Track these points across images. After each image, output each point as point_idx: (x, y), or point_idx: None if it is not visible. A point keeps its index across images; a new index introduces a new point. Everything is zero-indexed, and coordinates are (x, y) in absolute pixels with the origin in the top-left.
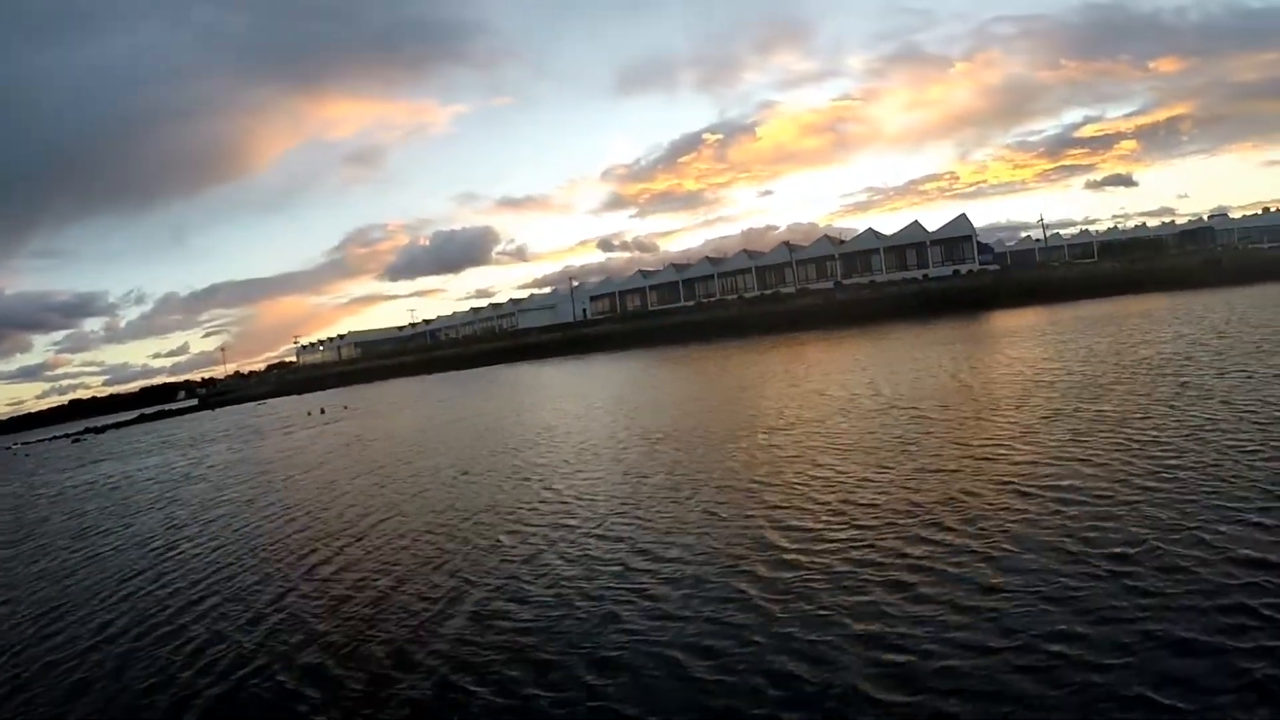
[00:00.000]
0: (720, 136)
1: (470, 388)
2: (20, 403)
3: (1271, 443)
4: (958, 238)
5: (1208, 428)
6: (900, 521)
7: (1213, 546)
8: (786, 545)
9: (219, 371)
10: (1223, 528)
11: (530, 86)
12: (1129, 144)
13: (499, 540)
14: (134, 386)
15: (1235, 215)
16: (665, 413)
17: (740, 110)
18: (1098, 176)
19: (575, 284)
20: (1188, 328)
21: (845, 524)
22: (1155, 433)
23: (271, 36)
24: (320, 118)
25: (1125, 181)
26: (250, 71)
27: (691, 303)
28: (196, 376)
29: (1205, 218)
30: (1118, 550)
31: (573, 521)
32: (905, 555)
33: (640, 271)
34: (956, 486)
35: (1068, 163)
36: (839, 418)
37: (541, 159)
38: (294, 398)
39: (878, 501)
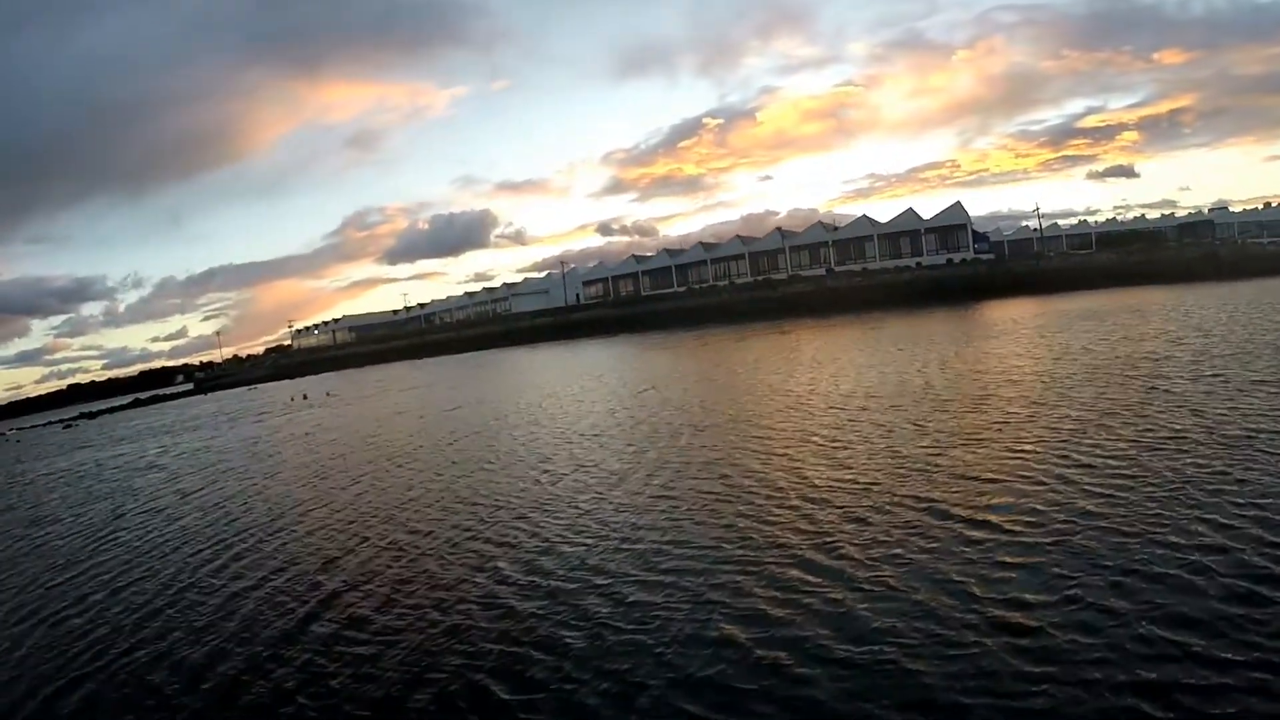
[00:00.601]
0: (721, 121)
1: (450, 374)
2: (19, 388)
3: (1237, 465)
4: (952, 226)
5: (1169, 442)
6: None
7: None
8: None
9: (218, 355)
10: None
11: (528, 69)
12: (1131, 135)
13: (388, 533)
14: (133, 370)
15: (1236, 209)
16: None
17: (741, 95)
18: (1099, 167)
19: (568, 268)
20: (1173, 325)
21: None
22: (1110, 444)
23: (267, 19)
24: (317, 101)
25: (1127, 173)
26: (246, 55)
27: (683, 288)
28: (195, 360)
29: (1205, 211)
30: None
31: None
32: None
33: (634, 256)
34: (833, 507)
35: (1070, 153)
36: (757, 417)
37: (540, 142)
38: (286, 382)
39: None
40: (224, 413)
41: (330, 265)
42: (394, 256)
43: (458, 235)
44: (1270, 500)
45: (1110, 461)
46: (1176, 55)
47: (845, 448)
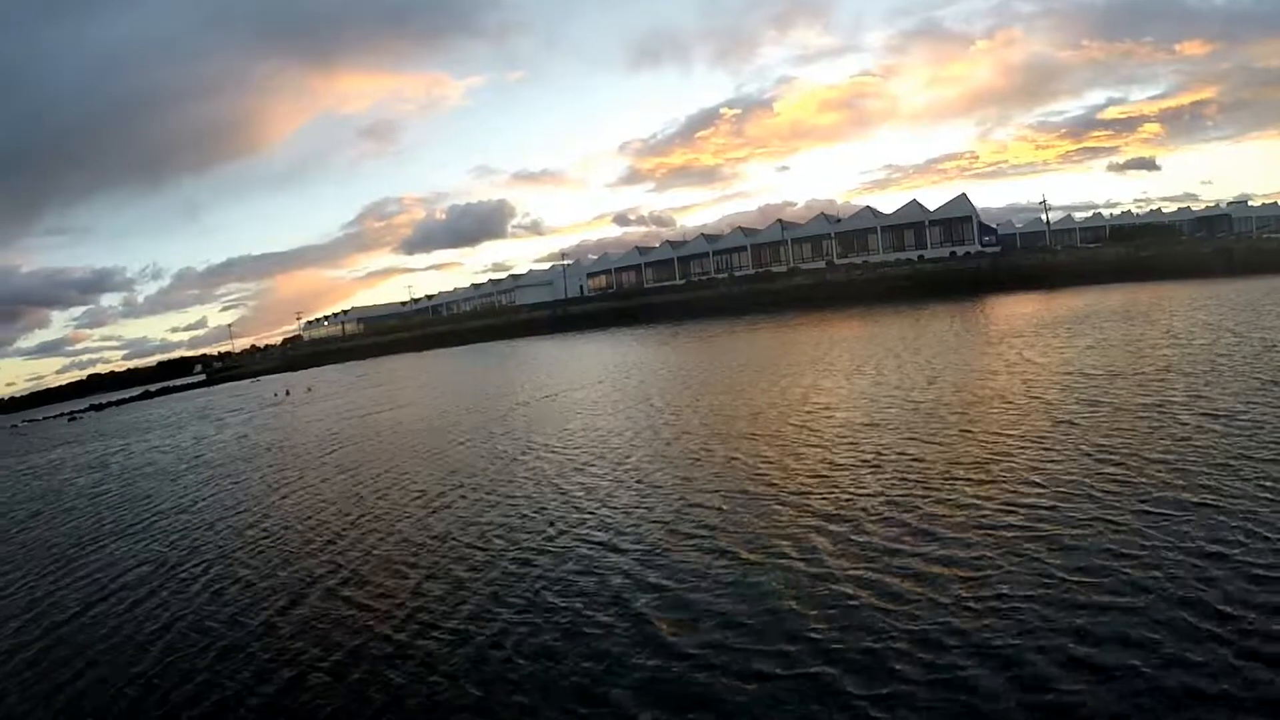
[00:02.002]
0: (738, 111)
1: (434, 367)
2: (40, 378)
3: (1163, 513)
4: (957, 218)
5: (1095, 483)
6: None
7: None
8: None
9: (236, 345)
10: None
11: (543, 59)
12: (1152, 127)
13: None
14: (151, 360)
15: (1255, 204)
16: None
17: (758, 85)
18: (1120, 159)
19: (568, 261)
20: (1154, 330)
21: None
22: (1019, 488)
23: (283, 11)
24: (333, 92)
25: (1148, 165)
26: (262, 47)
27: (683, 281)
28: (213, 350)
29: (1223, 205)
30: None
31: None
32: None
33: (636, 248)
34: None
35: (1090, 144)
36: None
37: (556, 133)
38: (288, 374)
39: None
40: (208, 409)
41: (348, 255)
42: (411, 247)
43: (475, 226)
44: None
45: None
46: (1199, 46)
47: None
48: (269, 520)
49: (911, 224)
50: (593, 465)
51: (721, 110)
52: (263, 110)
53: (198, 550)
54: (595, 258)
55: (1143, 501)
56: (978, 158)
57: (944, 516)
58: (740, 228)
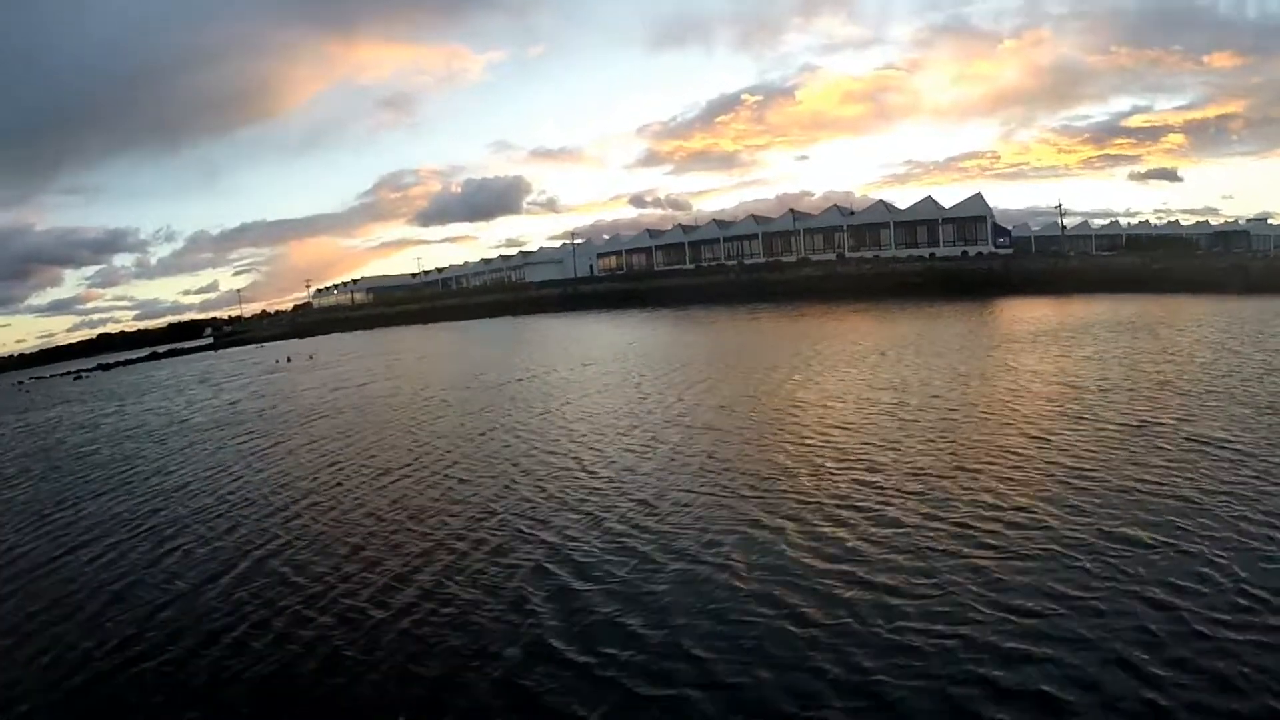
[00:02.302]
0: (759, 98)
1: (437, 340)
2: (51, 335)
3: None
4: (971, 217)
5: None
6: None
7: None
8: None
9: (247, 310)
10: None
11: (565, 36)
12: (1176, 138)
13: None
14: (162, 322)
15: (1275, 221)
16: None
17: (781, 73)
18: (1142, 169)
19: (580, 241)
20: (1155, 345)
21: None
22: (972, 508)
23: None
24: (353, 61)
25: (1170, 176)
26: (283, 12)
27: (691, 266)
28: (224, 314)
29: (1242, 221)
30: None
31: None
32: None
33: (647, 230)
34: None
35: (1112, 151)
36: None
37: (576, 111)
38: (295, 341)
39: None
40: (209, 373)
41: (363, 225)
42: (426, 219)
43: (490, 200)
44: None
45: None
46: (1228, 59)
47: None
48: (237, 486)
49: (925, 221)
50: (549, 449)
51: (743, 96)
52: (282, 76)
53: (164, 511)
54: (608, 238)
55: (1098, 536)
56: (999, 158)
57: (879, 529)
58: (753, 215)
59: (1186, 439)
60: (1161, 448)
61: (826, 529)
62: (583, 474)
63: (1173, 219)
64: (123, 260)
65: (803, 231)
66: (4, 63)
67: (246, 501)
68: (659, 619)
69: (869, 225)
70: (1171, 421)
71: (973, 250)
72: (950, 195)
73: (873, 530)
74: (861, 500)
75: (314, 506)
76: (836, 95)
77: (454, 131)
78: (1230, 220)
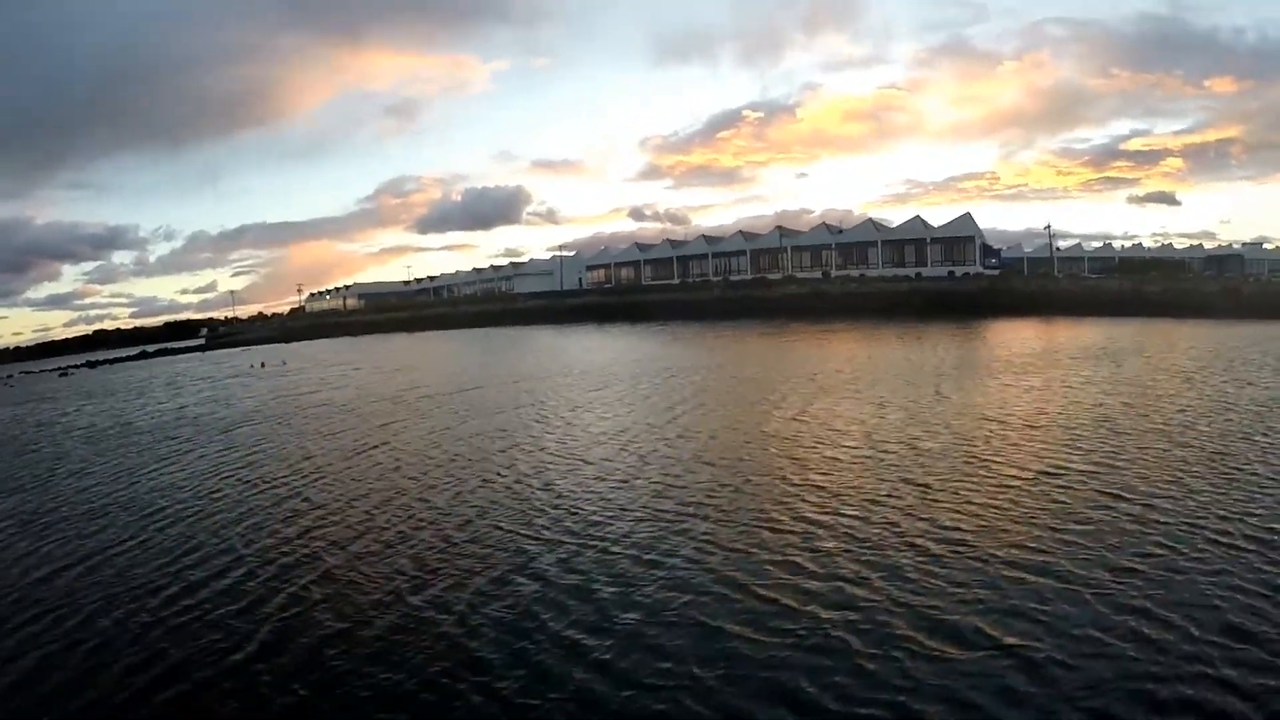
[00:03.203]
0: (760, 115)
1: (416, 349)
2: (48, 330)
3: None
4: (960, 237)
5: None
6: None
7: None
8: None
9: (233, 312)
10: None
11: (569, 49)
12: (1175, 162)
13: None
14: (158, 320)
15: (1270, 246)
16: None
17: (782, 90)
18: (1140, 192)
19: (570, 253)
20: (1121, 373)
21: None
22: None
23: None
24: (358, 68)
25: (1168, 200)
26: (290, 17)
27: (676, 281)
28: (221, 315)
29: (1235, 246)
30: None
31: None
32: None
33: (636, 244)
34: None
35: (1112, 174)
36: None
37: (577, 123)
38: (284, 345)
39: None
40: (181, 376)
41: (362, 230)
42: (425, 226)
43: (490, 209)
44: None
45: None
46: (1228, 84)
47: None
48: (136, 488)
49: (913, 240)
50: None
51: (744, 112)
52: (287, 81)
53: (60, 510)
54: (601, 250)
55: (974, 607)
56: (998, 179)
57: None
58: (742, 231)
59: (1095, 493)
60: (1057, 504)
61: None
62: (443, 507)
63: (1168, 242)
64: (121, 257)
65: (790, 249)
66: (10, 56)
67: (128, 505)
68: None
69: (857, 244)
70: (1086, 469)
71: (960, 270)
72: (941, 215)
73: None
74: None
75: (178, 513)
76: (838, 113)
77: (456, 140)
78: (1225, 245)
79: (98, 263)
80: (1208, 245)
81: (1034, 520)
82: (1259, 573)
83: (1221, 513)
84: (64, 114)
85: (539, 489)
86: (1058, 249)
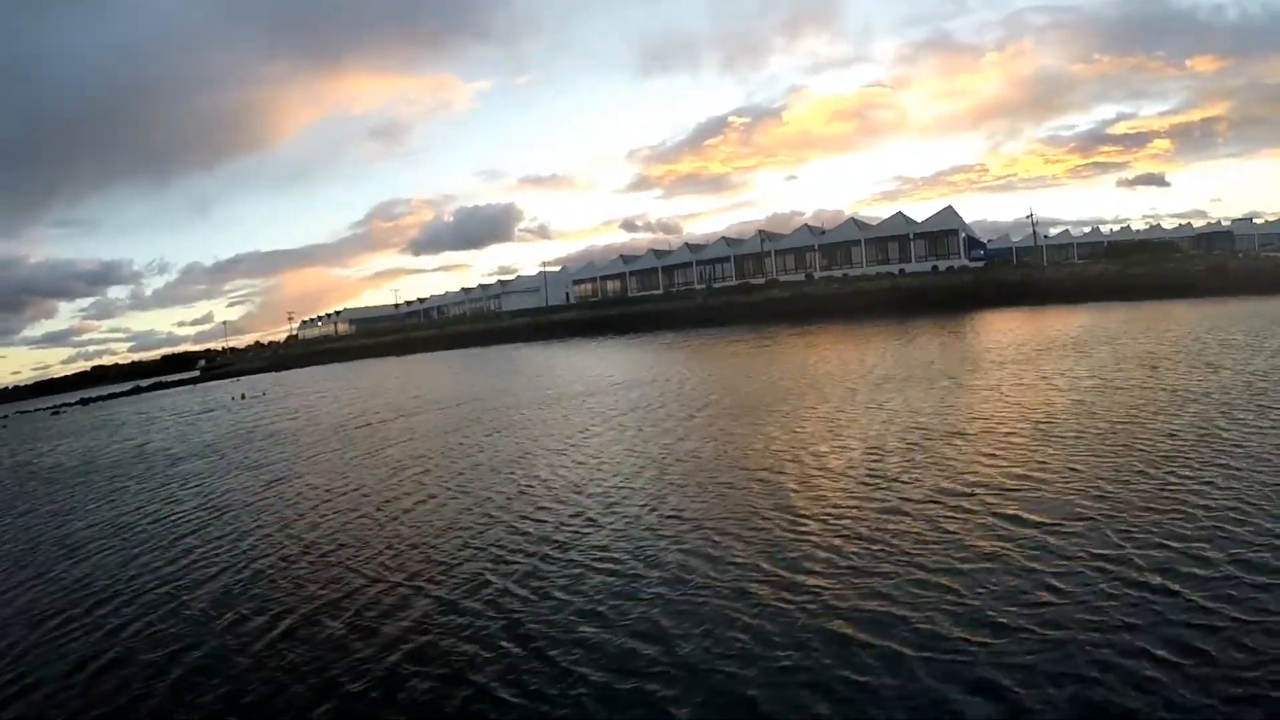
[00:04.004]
0: (746, 120)
1: (397, 373)
2: (46, 367)
3: None
4: (943, 231)
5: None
6: None
7: None
8: None
9: (224, 344)
10: None
11: (552, 64)
12: (1162, 143)
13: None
14: (156, 354)
15: (1259, 221)
16: None
17: (767, 94)
18: (1129, 175)
19: (556, 269)
20: (1080, 367)
21: None
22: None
23: (293, 9)
24: (342, 92)
25: (1158, 181)
26: (272, 44)
27: (661, 291)
28: (218, 345)
29: (1224, 223)
30: None
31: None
32: None
33: (621, 256)
34: None
35: (1100, 159)
36: None
37: (564, 137)
38: (277, 374)
39: None
40: (161, 412)
41: (356, 255)
42: (419, 248)
43: (482, 228)
44: None
45: None
46: (1209, 63)
47: None
48: (65, 527)
49: (896, 237)
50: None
51: (730, 119)
52: (272, 108)
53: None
54: (586, 264)
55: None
56: (987, 170)
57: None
58: (725, 238)
59: (995, 519)
60: (950, 536)
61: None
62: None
63: (1157, 223)
64: (117, 292)
65: (774, 253)
66: None
67: (56, 541)
68: None
69: (840, 244)
70: (1004, 487)
71: (944, 265)
72: (924, 210)
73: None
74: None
75: (90, 550)
76: (823, 114)
77: (444, 161)
78: (1213, 222)
79: (93, 299)
80: (1199, 224)
81: (901, 555)
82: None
83: (1138, 544)
84: (50, 152)
85: (428, 524)
86: (1045, 237)
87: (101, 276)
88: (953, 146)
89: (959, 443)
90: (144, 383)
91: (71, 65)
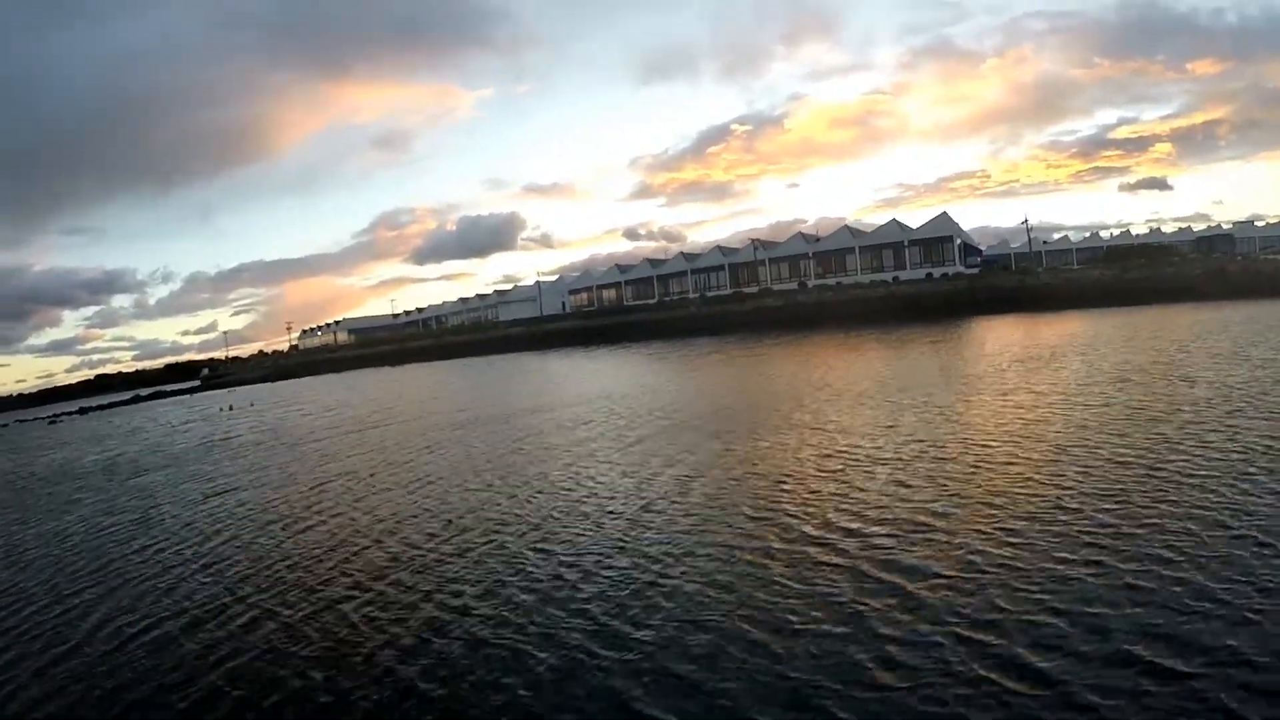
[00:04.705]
0: (749, 128)
1: (384, 383)
2: (51, 375)
3: None
4: (938, 238)
5: None
6: None
7: None
8: None
9: (237, 351)
10: None
11: (553, 73)
12: (1164, 147)
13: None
14: (160, 363)
15: (1260, 224)
16: None
17: (769, 102)
18: (1132, 179)
19: (553, 278)
20: (1043, 381)
21: None
22: None
23: (294, 19)
24: (345, 101)
25: (1160, 185)
26: (275, 54)
27: (655, 301)
28: (222, 354)
29: (1224, 226)
30: None
31: None
32: None
33: (617, 266)
34: None
35: (1102, 164)
36: None
37: (567, 146)
38: (276, 384)
39: None
40: (148, 422)
41: (360, 264)
42: (422, 257)
43: (485, 237)
44: None
45: None
46: (1210, 66)
47: None
48: (17, 535)
49: (890, 244)
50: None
51: (732, 126)
52: (276, 117)
53: None
54: (582, 273)
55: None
56: (989, 176)
57: None
58: (719, 247)
59: (867, 570)
60: (797, 587)
61: None
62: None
63: (1157, 227)
64: (121, 301)
65: (768, 261)
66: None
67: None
68: None
69: (834, 251)
70: (897, 526)
71: (939, 271)
72: (919, 217)
73: None
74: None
75: (31, 558)
76: (825, 122)
77: (447, 170)
78: (1213, 225)
79: (98, 307)
80: (1201, 228)
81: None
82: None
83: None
84: (56, 161)
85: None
86: (1044, 242)
87: (106, 285)
88: (954, 153)
89: (878, 470)
90: (144, 392)
91: (75, 75)
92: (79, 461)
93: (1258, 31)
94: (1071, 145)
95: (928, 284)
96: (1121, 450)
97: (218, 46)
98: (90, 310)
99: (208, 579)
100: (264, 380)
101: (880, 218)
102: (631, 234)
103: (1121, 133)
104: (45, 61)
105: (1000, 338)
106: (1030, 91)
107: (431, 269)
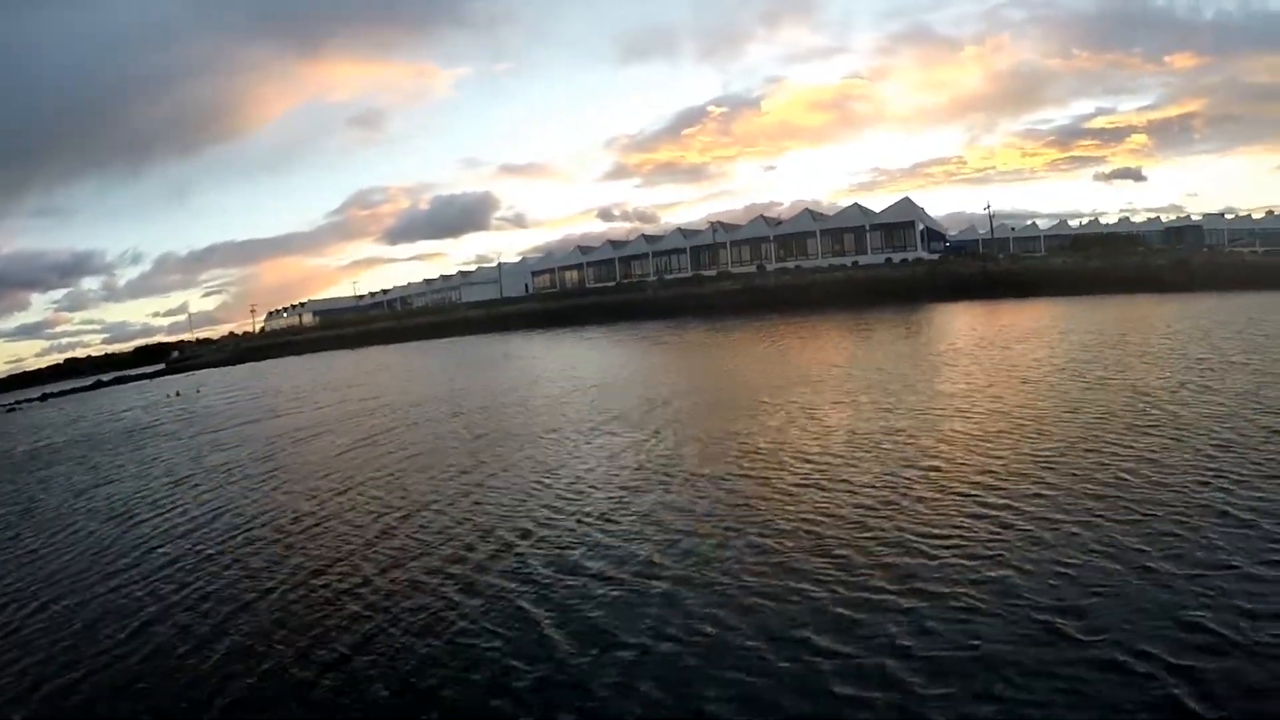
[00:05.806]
0: (725, 110)
1: (336, 366)
2: (20, 360)
3: None
4: (899, 223)
5: None
6: None
7: None
8: None
9: (215, 331)
10: None
11: (531, 52)
12: (1140, 138)
13: None
14: (129, 346)
15: (1230, 216)
16: None
17: (745, 84)
18: (1107, 169)
19: (516, 259)
20: (966, 369)
21: None
22: None
23: None
24: (319, 79)
25: (1135, 176)
26: (249, 31)
27: (613, 284)
28: (192, 336)
29: (1192, 217)
30: None
31: None
32: None
33: (578, 247)
34: None
35: (1077, 153)
36: None
37: (543, 126)
38: (232, 368)
39: None
40: (89, 409)
41: (333, 244)
42: (395, 236)
43: (458, 217)
44: None
45: None
46: (1187, 59)
47: None
48: None
49: (852, 228)
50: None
51: (709, 108)
52: (249, 95)
53: None
54: (546, 254)
55: None
56: (965, 163)
57: None
58: (680, 229)
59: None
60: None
61: None
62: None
63: (1126, 216)
64: (90, 283)
65: (729, 244)
66: None
67: None
68: None
69: (795, 234)
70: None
71: (898, 257)
72: (934, 201)
73: None
74: None
75: None
76: (802, 105)
77: (422, 149)
78: (1183, 217)
79: (66, 290)
80: (1172, 218)
81: None
82: None
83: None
84: (22, 142)
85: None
86: (1012, 229)
87: (74, 267)
88: (931, 139)
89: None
90: (105, 377)
91: (47, 54)
92: (6, 454)
93: (1235, 26)
94: (1048, 134)
95: (887, 268)
96: (990, 463)
97: (193, 23)
98: (59, 293)
99: (92, 565)
100: (225, 364)
101: (862, 202)
102: (606, 215)
103: (1098, 123)
104: (14, 40)
105: (946, 327)
106: (1008, 80)
107: (404, 249)
